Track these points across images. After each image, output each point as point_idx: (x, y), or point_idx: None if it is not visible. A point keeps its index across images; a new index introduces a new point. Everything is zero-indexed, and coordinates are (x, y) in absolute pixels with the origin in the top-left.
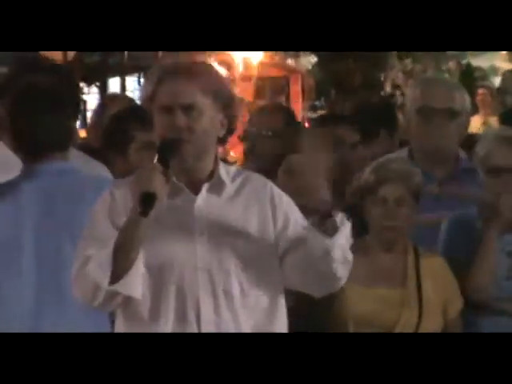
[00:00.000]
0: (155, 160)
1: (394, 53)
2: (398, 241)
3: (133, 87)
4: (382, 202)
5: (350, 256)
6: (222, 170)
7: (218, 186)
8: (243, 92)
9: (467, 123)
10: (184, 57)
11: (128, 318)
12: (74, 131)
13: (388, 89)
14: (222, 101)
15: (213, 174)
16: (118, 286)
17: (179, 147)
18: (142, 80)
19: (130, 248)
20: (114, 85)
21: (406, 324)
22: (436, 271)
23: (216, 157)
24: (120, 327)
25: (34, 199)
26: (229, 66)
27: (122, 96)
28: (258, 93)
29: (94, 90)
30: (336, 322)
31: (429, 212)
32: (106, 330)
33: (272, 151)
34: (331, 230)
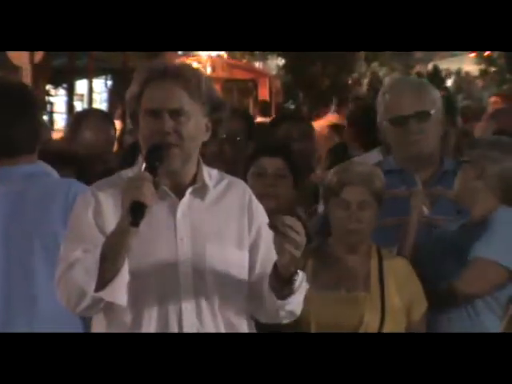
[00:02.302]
0: (143, 168)
1: (362, 56)
2: (361, 243)
3: (100, 89)
4: (345, 205)
5: (298, 310)
6: (206, 173)
7: (201, 190)
8: None
9: (442, 119)
10: (152, 57)
11: (111, 324)
12: (40, 133)
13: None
14: (209, 104)
15: (196, 178)
16: (104, 293)
17: (167, 152)
18: (109, 82)
19: (118, 256)
20: (81, 87)
21: (368, 327)
22: (399, 273)
23: (199, 160)
24: (102, 329)
25: (4, 202)
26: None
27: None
28: (226, 95)
29: (62, 92)
30: (298, 325)
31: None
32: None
33: (236, 155)
34: (285, 293)
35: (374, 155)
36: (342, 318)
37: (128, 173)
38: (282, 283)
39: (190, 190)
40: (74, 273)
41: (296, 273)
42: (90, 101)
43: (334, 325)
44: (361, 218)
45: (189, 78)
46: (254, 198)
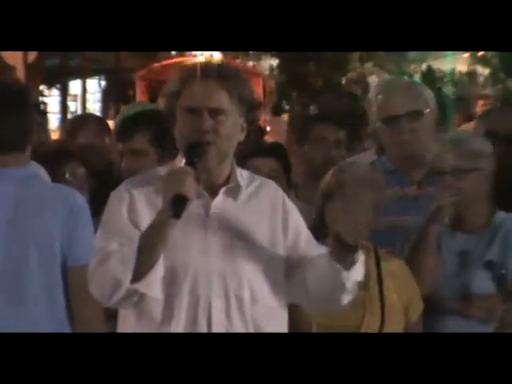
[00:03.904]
0: (183, 162)
1: (356, 56)
2: (360, 244)
3: (93, 89)
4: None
5: (356, 288)
6: (238, 174)
7: (234, 190)
8: None
9: (435, 118)
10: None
11: (140, 318)
12: (32, 131)
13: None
14: (246, 105)
15: (229, 178)
16: (139, 285)
17: (205, 150)
18: (102, 82)
19: (155, 248)
20: (74, 87)
21: (368, 327)
22: (397, 273)
23: (233, 160)
24: (130, 326)
25: (4, 204)
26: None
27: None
28: None
29: (55, 92)
30: (299, 325)
31: (408, 214)
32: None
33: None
34: (349, 263)
35: (368, 155)
36: (343, 318)
37: (161, 170)
38: (345, 251)
39: (223, 189)
40: (110, 264)
41: (358, 240)
42: (84, 101)
43: (335, 325)
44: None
45: (229, 78)
46: (286, 197)
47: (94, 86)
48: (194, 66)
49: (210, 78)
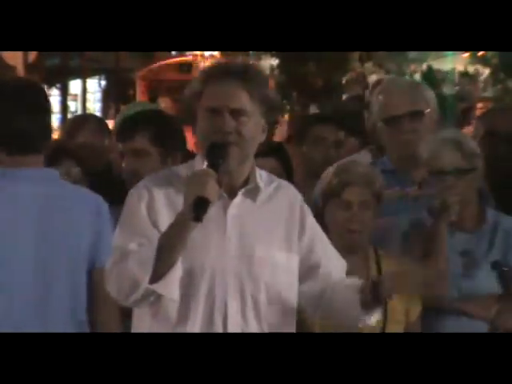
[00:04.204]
0: (205, 164)
1: (356, 56)
2: (360, 244)
3: (93, 89)
4: (346, 206)
5: (374, 319)
6: (258, 175)
7: (253, 191)
8: None
9: (436, 118)
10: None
11: (156, 318)
12: (50, 133)
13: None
14: (267, 106)
15: (249, 179)
16: (157, 286)
17: (227, 151)
18: (102, 82)
19: (175, 250)
20: (74, 87)
21: (372, 328)
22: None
23: (253, 161)
24: (145, 326)
25: (31, 203)
26: (190, 67)
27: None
28: None
29: (55, 92)
30: (302, 326)
31: (409, 213)
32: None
33: None
34: (370, 308)
35: (363, 155)
36: None
37: (180, 169)
38: (375, 302)
39: (242, 190)
40: (128, 264)
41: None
42: (84, 101)
43: (338, 326)
44: (362, 219)
45: (251, 78)
46: (305, 204)
47: (94, 86)
48: (215, 67)
49: (232, 79)
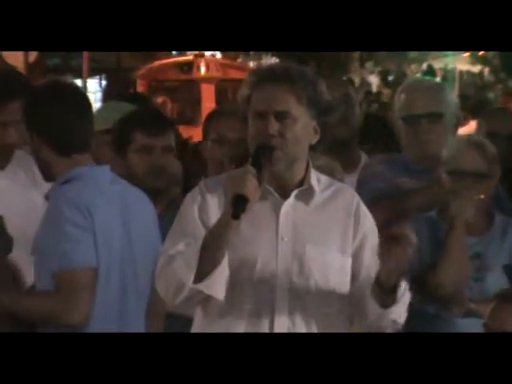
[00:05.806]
0: (249, 163)
1: (356, 56)
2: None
3: (94, 89)
4: None
5: (401, 320)
6: (314, 177)
7: (307, 194)
8: (205, 94)
9: (457, 121)
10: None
11: (207, 316)
12: (93, 129)
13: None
14: (317, 108)
15: (303, 181)
16: (202, 286)
17: (271, 154)
18: (103, 82)
19: (217, 248)
20: None
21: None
22: None
23: (308, 164)
24: (198, 323)
25: (118, 199)
26: (190, 66)
27: None
28: (219, 95)
29: None
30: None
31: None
32: None
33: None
34: (390, 301)
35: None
36: None
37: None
38: (385, 292)
39: (295, 192)
40: (175, 265)
41: (399, 282)
42: None
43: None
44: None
45: (298, 81)
46: (362, 204)
47: (95, 86)
48: (262, 70)
49: (278, 82)
